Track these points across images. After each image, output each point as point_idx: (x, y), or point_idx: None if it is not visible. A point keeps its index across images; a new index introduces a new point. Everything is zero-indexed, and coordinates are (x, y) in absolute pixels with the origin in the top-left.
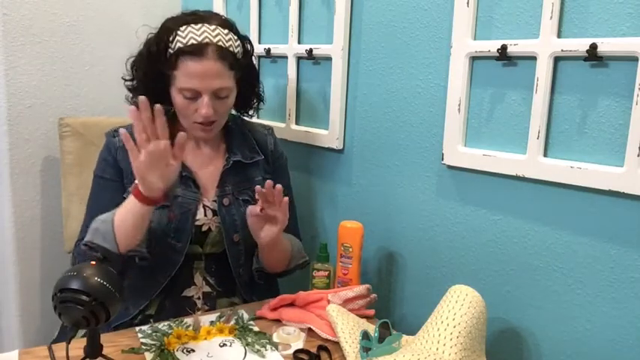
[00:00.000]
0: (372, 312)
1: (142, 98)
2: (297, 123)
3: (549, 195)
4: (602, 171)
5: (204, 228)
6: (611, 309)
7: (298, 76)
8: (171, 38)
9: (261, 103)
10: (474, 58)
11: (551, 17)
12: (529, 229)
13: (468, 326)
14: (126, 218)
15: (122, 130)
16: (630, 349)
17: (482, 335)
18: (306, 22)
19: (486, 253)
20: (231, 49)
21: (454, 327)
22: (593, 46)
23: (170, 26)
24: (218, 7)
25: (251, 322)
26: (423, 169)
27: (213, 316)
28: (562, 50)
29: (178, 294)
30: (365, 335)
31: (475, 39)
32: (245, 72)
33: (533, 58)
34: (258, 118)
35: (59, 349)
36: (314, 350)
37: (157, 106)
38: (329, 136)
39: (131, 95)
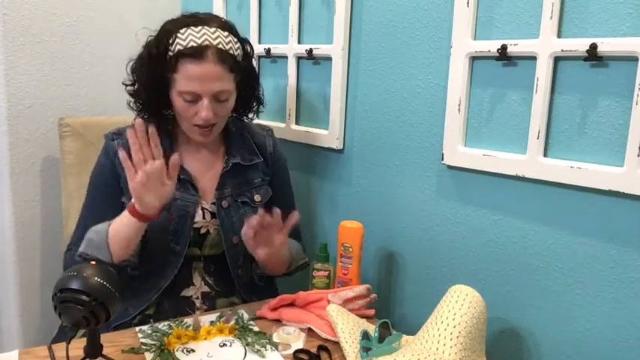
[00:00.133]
0: (372, 312)
1: (138, 121)
2: (297, 123)
3: (549, 195)
4: (602, 171)
5: (203, 230)
6: (611, 309)
7: (298, 76)
8: (170, 41)
9: (261, 105)
10: (474, 58)
11: (551, 17)
12: (529, 229)
13: (468, 326)
14: (120, 231)
15: (121, 153)
16: (630, 349)
17: (483, 335)
18: (306, 22)
19: (486, 253)
20: (231, 51)
21: (454, 327)
22: (593, 46)
23: (170, 29)
24: (218, 8)
25: (251, 322)
26: (423, 169)
27: (213, 316)
28: (562, 50)
29: (177, 294)
30: (365, 335)
31: (475, 39)
32: (245, 74)
33: (533, 58)
34: (258, 118)
35: (59, 349)
36: (314, 350)
37: (151, 128)
38: (329, 136)
39: (132, 100)
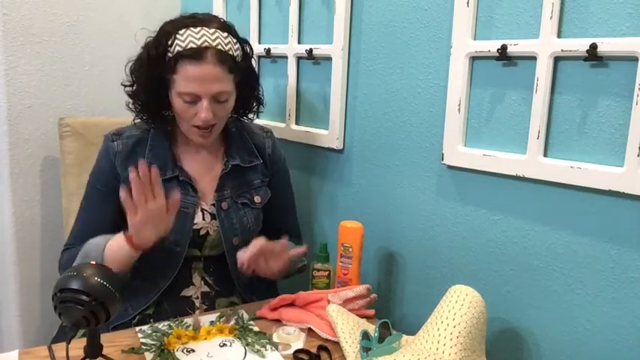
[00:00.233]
0: (372, 312)
1: (141, 163)
2: (297, 123)
3: (549, 195)
4: (602, 171)
5: (203, 232)
6: (611, 309)
7: (298, 76)
8: (170, 42)
9: (261, 106)
10: (474, 58)
11: (551, 17)
12: (529, 229)
13: (468, 326)
14: (116, 252)
15: (122, 193)
16: (630, 349)
17: (483, 335)
18: (306, 22)
19: (486, 253)
20: (230, 52)
21: (454, 327)
22: (593, 46)
23: (169, 30)
24: (218, 8)
25: (251, 322)
26: (423, 169)
27: (213, 316)
28: (562, 50)
29: (177, 294)
30: (365, 335)
31: (475, 39)
32: (244, 75)
33: (533, 58)
34: (258, 118)
35: (59, 349)
36: (314, 350)
37: (154, 168)
38: (329, 136)
39: (132, 101)
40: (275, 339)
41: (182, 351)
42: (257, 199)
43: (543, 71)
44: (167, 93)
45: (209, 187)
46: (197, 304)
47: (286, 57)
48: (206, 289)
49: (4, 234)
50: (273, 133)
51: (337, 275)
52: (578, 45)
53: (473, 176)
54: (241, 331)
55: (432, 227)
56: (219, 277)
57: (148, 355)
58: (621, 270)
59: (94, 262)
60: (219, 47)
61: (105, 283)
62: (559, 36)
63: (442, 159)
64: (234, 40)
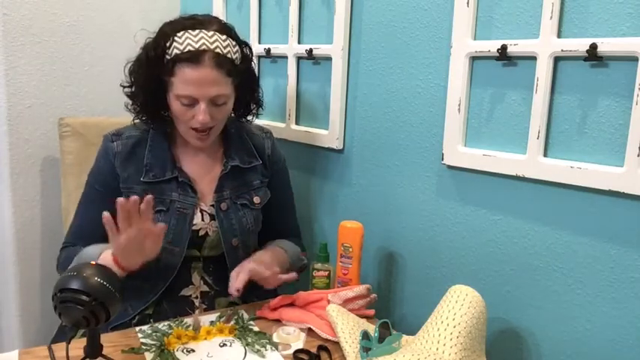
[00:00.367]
0: (372, 312)
1: (133, 198)
2: (297, 123)
3: (549, 195)
4: (602, 171)
5: (202, 232)
6: (611, 309)
7: (298, 76)
8: (168, 44)
9: (260, 108)
10: (474, 58)
11: (551, 17)
12: (529, 229)
13: (468, 326)
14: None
15: (105, 218)
16: (630, 349)
17: (483, 335)
18: (306, 22)
19: (486, 253)
20: (229, 55)
21: (454, 327)
22: (593, 46)
23: (167, 31)
24: (218, 8)
25: (251, 322)
26: (423, 169)
27: (213, 316)
28: (562, 50)
29: (176, 294)
30: (365, 335)
31: (475, 39)
32: (243, 78)
33: (533, 58)
34: (257, 118)
35: (59, 349)
36: (314, 350)
37: (148, 199)
38: (329, 136)
39: (131, 102)
40: (275, 339)
41: (182, 351)
42: (256, 199)
43: (543, 71)
44: (165, 95)
45: (208, 188)
46: (196, 304)
47: (286, 57)
48: (205, 288)
49: (4, 234)
50: (273, 134)
51: (337, 275)
52: (578, 45)
53: (473, 176)
54: (241, 331)
55: (432, 227)
56: (218, 277)
57: (148, 355)
58: (621, 270)
59: (94, 262)
60: (218, 50)
61: (105, 283)
62: (559, 36)
63: (442, 159)
64: (233, 43)
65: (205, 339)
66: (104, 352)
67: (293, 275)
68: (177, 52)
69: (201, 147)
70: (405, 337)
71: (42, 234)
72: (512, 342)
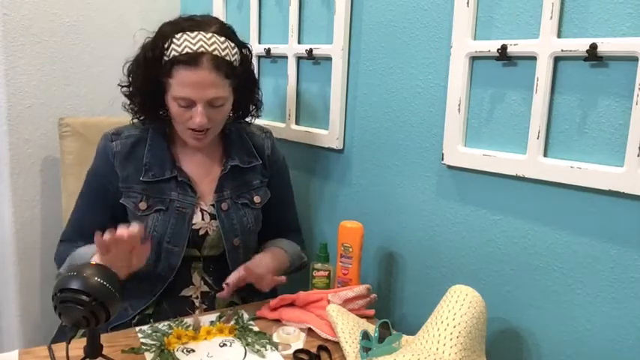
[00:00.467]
0: (372, 312)
1: (122, 234)
2: (297, 123)
3: (549, 195)
4: (602, 171)
5: (202, 232)
6: (611, 309)
7: (298, 76)
8: (166, 45)
9: (259, 110)
10: (474, 58)
11: (551, 17)
12: (529, 229)
13: (468, 326)
14: None
15: (97, 237)
16: (630, 349)
17: (483, 335)
18: (306, 22)
19: (486, 253)
20: (227, 57)
21: (454, 327)
22: (593, 46)
23: (166, 33)
24: (218, 8)
25: (251, 322)
26: (423, 169)
27: (213, 316)
28: (562, 50)
29: (176, 294)
30: (365, 335)
31: (475, 39)
32: (242, 79)
33: (533, 58)
34: (258, 117)
35: (59, 349)
36: (314, 350)
37: (140, 234)
38: (329, 136)
39: (129, 102)
40: (275, 339)
41: (182, 351)
42: (257, 199)
43: (543, 71)
44: (163, 95)
45: (208, 188)
46: (197, 304)
47: (286, 57)
48: (206, 288)
49: (4, 234)
50: (273, 134)
51: (337, 275)
52: (578, 45)
53: (473, 176)
54: (241, 331)
55: (432, 227)
56: (219, 276)
57: (148, 355)
58: (621, 270)
59: (93, 262)
60: (216, 53)
61: (105, 283)
62: (559, 36)
63: (442, 159)
64: (232, 45)
65: (205, 339)
66: (104, 352)
67: (282, 279)
68: (175, 54)
69: (199, 147)
70: (405, 337)
71: (42, 234)
72: (512, 342)
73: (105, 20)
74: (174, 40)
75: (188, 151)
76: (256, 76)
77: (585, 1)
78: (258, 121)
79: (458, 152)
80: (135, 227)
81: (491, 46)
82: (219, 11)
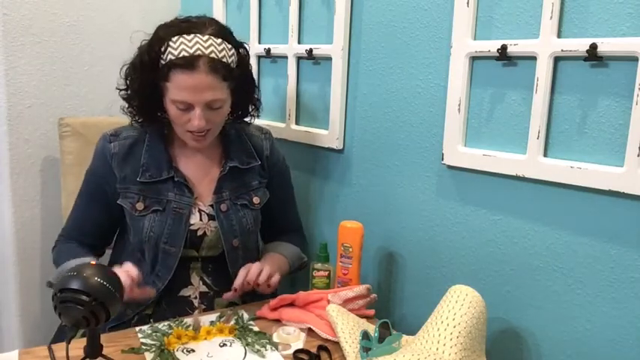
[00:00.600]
0: (372, 312)
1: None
2: (297, 123)
3: (549, 195)
4: (602, 171)
5: (200, 232)
6: (611, 309)
7: (298, 76)
8: (162, 49)
9: (258, 110)
10: (474, 58)
11: (551, 17)
12: (529, 229)
13: (468, 326)
14: None
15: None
16: (630, 349)
17: (483, 335)
18: (306, 22)
19: (486, 253)
20: (224, 59)
21: (454, 327)
22: (593, 46)
23: (162, 36)
24: (218, 8)
25: (251, 322)
26: (423, 169)
27: (213, 316)
28: (562, 50)
29: (175, 294)
30: (365, 335)
31: (475, 39)
32: (240, 81)
33: (533, 58)
34: (258, 118)
35: (59, 349)
36: (314, 350)
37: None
38: (329, 136)
39: (127, 105)
40: (275, 339)
41: (182, 351)
42: (256, 200)
43: (543, 71)
44: (162, 98)
45: (207, 189)
46: (196, 304)
47: (286, 57)
48: (204, 289)
49: (4, 234)
50: (272, 134)
51: (337, 275)
52: (578, 45)
53: (473, 176)
54: (241, 331)
55: (432, 227)
56: (217, 277)
57: (148, 355)
58: (621, 270)
59: (94, 262)
60: (213, 55)
61: (105, 283)
62: (559, 36)
63: (442, 159)
64: (229, 46)
65: (205, 339)
66: (104, 352)
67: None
68: (172, 57)
69: (199, 148)
70: (405, 337)
71: (42, 234)
72: (512, 342)
73: (105, 20)
74: (170, 43)
75: (187, 152)
76: (256, 76)
77: (585, 1)
78: (258, 122)
79: (458, 152)
80: (133, 272)
81: (491, 46)
82: (219, 11)
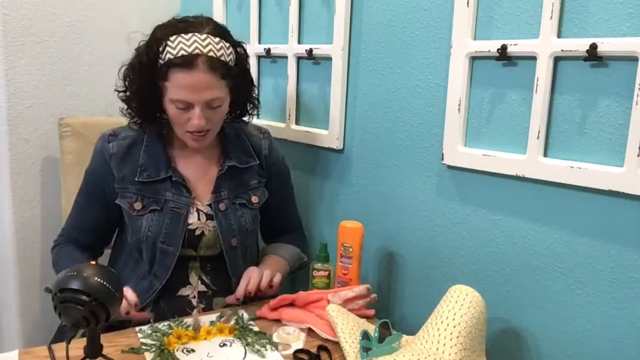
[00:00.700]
0: (372, 312)
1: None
2: (297, 123)
3: (549, 195)
4: (602, 171)
5: (198, 232)
6: (611, 309)
7: (298, 76)
8: (161, 49)
9: (257, 108)
10: (474, 58)
11: (551, 17)
12: (529, 229)
13: (468, 326)
14: None
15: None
16: (630, 349)
17: (483, 335)
18: (306, 22)
19: (486, 253)
20: (222, 58)
21: (454, 327)
22: (593, 46)
23: (160, 36)
24: (218, 8)
25: (251, 322)
26: (423, 169)
27: (213, 316)
28: (562, 50)
29: (173, 294)
30: (365, 335)
31: (475, 39)
32: (238, 79)
33: (533, 58)
34: (258, 118)
35: (59, 349)
36: (314, 350)
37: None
38: (329, 136)
39: (126, 107)
40: (275, 339)
41: (182, 351)
42: (254, 199)
43: (543, 71)
44: (161, 98)
45: (206, 189)
46: (194, 304)
47: (286, 57)
48: (203, 288)
49: (4, 234)
50: (271, 134)
51: (337, 275)
52: (578, 45)
53: (473, 176)
54: (241, 331)
55: (432, 227)
56: (216, 276)
57: (148, 355)
58: (621, 270)
59: (94, 262)
60: (211, 54)
61: (105, 283)
62: (559, 36)
63: (442, 159)
64: (227, 45)
65: (205, 339)
66: (104, 352)
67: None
68: (171, 57)
69: (199, 148)
70: (405, 337)
71: (42, 234)
72: (512, 342)
73: (105, 20)
74: (168, 42)
75: (185, 152)
76: (256, 76)
77: (585, 1)
78: (258, 121)
79: (458, 152)
80: (132, 298)
81: (491, 46)
82: (219, 11)
